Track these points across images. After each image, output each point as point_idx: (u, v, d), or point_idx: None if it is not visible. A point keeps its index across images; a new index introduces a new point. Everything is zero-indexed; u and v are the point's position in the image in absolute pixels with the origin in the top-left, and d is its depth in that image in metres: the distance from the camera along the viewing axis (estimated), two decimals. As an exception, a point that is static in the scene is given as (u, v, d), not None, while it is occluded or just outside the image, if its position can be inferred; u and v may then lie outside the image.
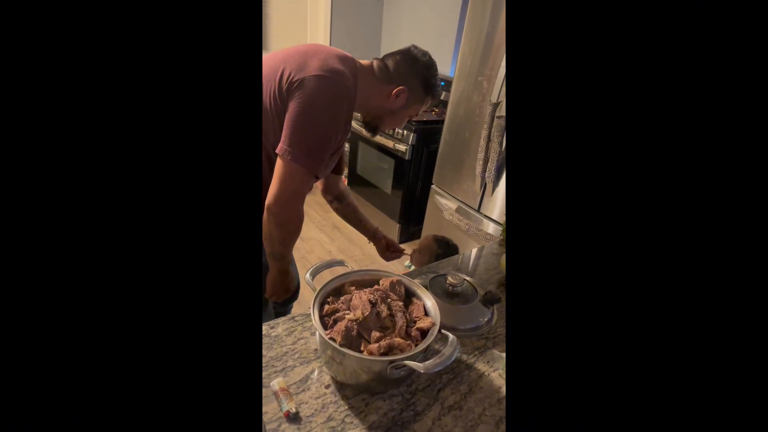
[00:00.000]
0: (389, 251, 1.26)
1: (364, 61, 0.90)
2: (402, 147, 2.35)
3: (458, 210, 1.92)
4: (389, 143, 2.43)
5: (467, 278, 0.92)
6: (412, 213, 2.57)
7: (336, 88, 0.77)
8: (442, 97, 2.64)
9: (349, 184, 3.05)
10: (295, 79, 0.76)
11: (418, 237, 2.53)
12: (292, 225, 0.84)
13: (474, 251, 1.19)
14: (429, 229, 2.17)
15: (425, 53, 0.90)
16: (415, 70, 0.88)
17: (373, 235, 1.22)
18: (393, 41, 3.22)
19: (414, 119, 1.05)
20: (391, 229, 2.68)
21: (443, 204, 2.01)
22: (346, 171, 3.11)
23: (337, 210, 1.22)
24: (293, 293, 1.22)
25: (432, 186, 2.11)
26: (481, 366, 0.74)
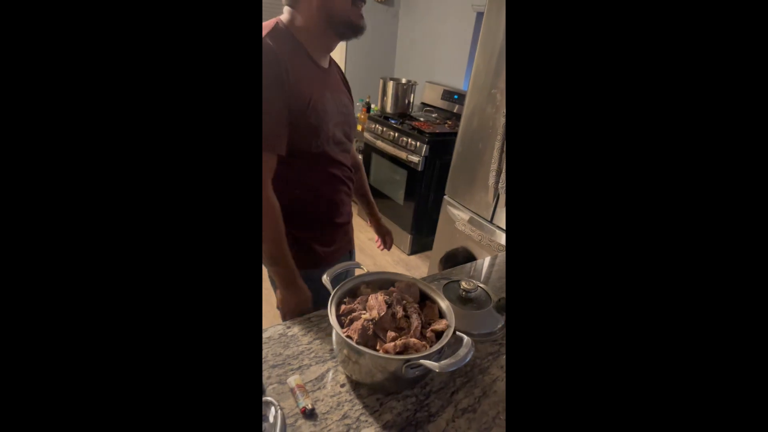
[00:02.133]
0: (380, 235, 1.25)
1: (284, 17, 0.83)
2: (415, 158, 2.38)
3: (471, 221, 1.93)
4: (402, 155, 2.46)
5: (481, 284, 0.93)
6: (424, 224, 2.58)
7: None
8: (454, 110, 2.67)
9: (361, 194, 3.08)
10: None
11: (430, 248, 2.53)
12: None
13: (487, 260, 1.19)
14: (441, 239, 2.18)
15: None
16: None
17: (370, 210, 1.20)
18: (407, 55, 3.29)
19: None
20: (403, 240, 2.70)
21: (456, 215, 2.02)
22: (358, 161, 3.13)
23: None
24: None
25: (444, 197, 2.12)
26: (495, 371, 0.74)
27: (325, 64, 0.86)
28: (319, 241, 0.95)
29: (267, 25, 0.78)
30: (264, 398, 0.52)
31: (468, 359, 0.59)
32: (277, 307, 0.93)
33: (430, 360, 0.59)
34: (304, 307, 0.88)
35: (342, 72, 0.98)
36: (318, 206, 0.92)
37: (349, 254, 1.08)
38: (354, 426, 0.60)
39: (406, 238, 2.66)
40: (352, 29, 0.82)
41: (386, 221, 2.82)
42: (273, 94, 0.73)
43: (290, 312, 0.87)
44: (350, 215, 1.04)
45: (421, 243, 2.69)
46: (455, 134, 2.00)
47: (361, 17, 0.82)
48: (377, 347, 0.63)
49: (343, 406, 0.63)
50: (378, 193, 2.87)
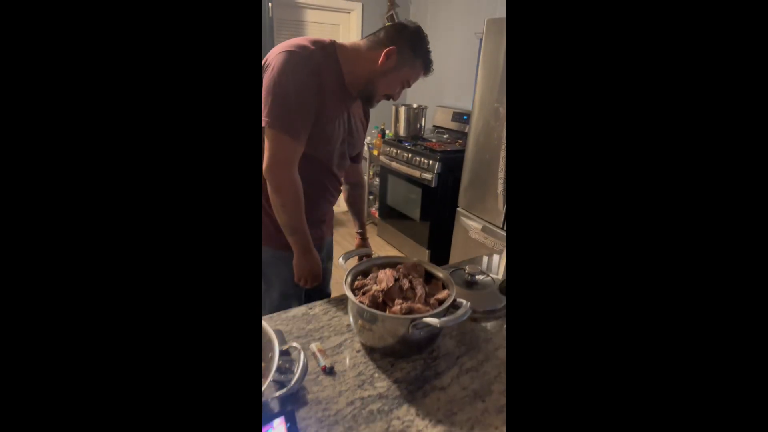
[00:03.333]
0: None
1: (348, 42, 0.95)
2: (428, 175, 2.49)
3: (484, 229, 2.00)
4: (416, 173, 2.58)
5: (485, 272, 1.00)
6: (440, 239, 2.66)
7: (297, 58, 0.83)
8: (465, 130, 2.80)
9: (380, 215, 3.19)
10: (265, 63, 0.86)
11: (446, 262, 2.59)
12: (284, 189, 0.89)
13: (502, 255, 1.26)
14: (456, 249, 2.25)
15: (416, 24, 0.95)
16: (404, 35, 0.92)
17: (360, 230, 1.30)
18: (418, 83, 3.48)
19: (407, 87, 1.00)
20: (421, 256, 2.77)
21: (469, 225, 2.10)
22: (370, 189, 3.25)
23: (347, 196, 1.29)
24: (321, 281, 1.07)
25: (458, 209, 2.21)
26: (497, 341, 0.81)
27: (354, 93, 0.99)
28: None
29: (321, 41, 0.91)
30: (290, 344, 0.61)
31: (466, 317, 0.67)
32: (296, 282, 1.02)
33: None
34: (316, 273, 1.00)
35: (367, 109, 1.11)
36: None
37: (317, 247, 1.10)
38: (368, 381, 0.68)
39: (424, 254, 2.73)
40: (368, 102, 1.00)
41: (404, 239, 2.91)
42: (307, 95, 0.85)
43: (304, 275, 0.99)
44: (326, 216, 1.13)
45: (438, 257, 2.75)
46: (465, 151, 2.12)
47: (378, 101, 0.99)
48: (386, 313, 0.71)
49: (358, 366, 0.71)
50: (396, 213, 2.98)
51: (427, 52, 0.95)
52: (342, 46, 0.93)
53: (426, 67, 0.96)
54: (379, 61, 0.90)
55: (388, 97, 0.98)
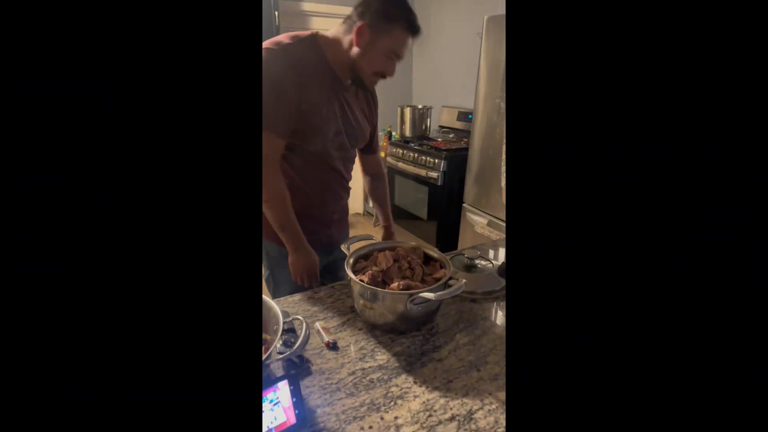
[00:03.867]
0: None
1: (330, 32, 0.93)
2: (434, 174, 2.53)
3: (489, 223, 2.02)
4: (422, 172, 2.62)
5: (486, 257, 1.03)
6: (447, 236, 2.68)
7: (272, 54, 0.83)
8: (470, 129, 2.82)
9: (388, 216, 3.24)
10: None
11: (456, 259, 2.61)
12: (267, 186, 0.88)
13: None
14: (463, 245, 2.27)
15: None
16: (371, 6, 0.86)
17: (386, 223, 1.27)
18: (423, 85, 3.53)
19: (397, 58, 0.92)
20: (430, 254, 2.79)
21: (475, 220, 2.13)
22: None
23: (369, 189, 1.27)
24: (318, 280, 1.04)
25: (463, 205, 2.24)
26: (495, 319, 0.84)
27: (347, 82, 0.95)
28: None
29: (299, 35, 0.91)
30: (294, 316, 0.66)
31: (460, 291, 0.70)
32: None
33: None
34: (312, 271, 0.98)
35: (371, 96, 1.08)
36: (302, 198, 0.99)
37: (327, 247, 1.10)
38: (369, 354, 0.72)
39: (433, 252, 2.76)
40: (361, 86, 0.97)
41: (413, 238, 2.94)
42: (283, 89, 0.84)
43: (300, 273, 0.98)
44: (334, 215, 1.10)
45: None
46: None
47: (373, 83, 0.96)
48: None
49: (360, 342, 0.75)
50: (404, 213, 3.02)
51: (407, 14, 0.87)
52: (323, 37, 0.92)
53: (410, 28, 0.88)
54: (354, 42, 0.87)
55: (382, 75, 0.93)
